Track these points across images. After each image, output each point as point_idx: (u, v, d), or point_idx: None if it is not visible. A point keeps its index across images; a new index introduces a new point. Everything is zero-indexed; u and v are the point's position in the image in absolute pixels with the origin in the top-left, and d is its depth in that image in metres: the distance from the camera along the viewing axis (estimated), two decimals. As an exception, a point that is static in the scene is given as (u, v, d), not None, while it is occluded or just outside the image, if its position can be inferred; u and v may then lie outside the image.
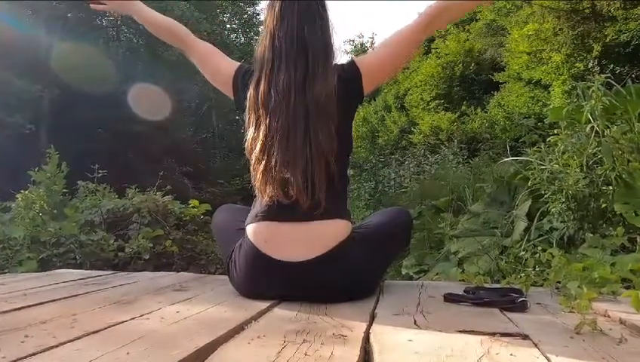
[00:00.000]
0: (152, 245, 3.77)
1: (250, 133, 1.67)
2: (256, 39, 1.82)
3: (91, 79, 12.72)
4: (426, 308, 1.54)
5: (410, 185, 8.40)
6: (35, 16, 14.55)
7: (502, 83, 14.39)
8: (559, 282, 1.85)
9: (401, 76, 21.27)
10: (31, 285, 2.00)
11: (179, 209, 4.43)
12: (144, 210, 4.13)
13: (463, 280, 2.17)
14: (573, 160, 2.84)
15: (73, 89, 13.19)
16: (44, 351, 1.03)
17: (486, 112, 14.94)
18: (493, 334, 1.18)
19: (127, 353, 1.00)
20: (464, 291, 1.75)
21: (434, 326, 1.27)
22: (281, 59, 1.66)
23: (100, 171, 4.73)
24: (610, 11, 8.46)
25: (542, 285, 2.00)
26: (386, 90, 21.00)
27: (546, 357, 1.01)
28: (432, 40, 20.35)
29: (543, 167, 3.00)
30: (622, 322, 1.34)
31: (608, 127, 2.86)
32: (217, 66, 1.89)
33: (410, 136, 16.97)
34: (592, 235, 2.55)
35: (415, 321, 1.34)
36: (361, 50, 26.86)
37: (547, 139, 3.20)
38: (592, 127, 2.88)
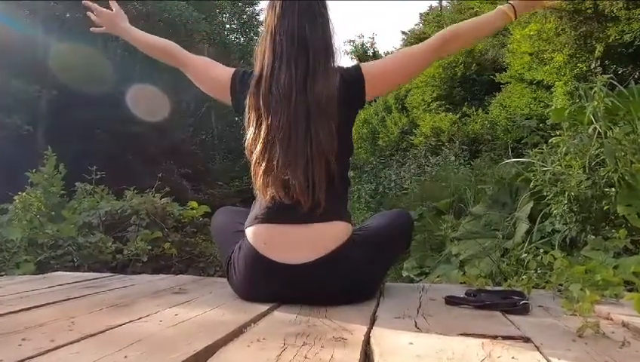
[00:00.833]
0: (150, 247, 3.75)
1: (250, 132, 1.67)
2: (256, 39, 1.83)
3: (89, 80, 12.67)
4: (427, 310, 1.53)
5: (410, 186, 8.39)
6: (33, 17, 14.49)
7: (503, 84, 14.36)
8: (561, 284, 1.84)
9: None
10: (28, 288, 2.00)
11: (177, 211, 4.42)
12: (142, 211, 4.12)
13: (464, 283, 2.17)
14: (576, 161, 2.83)
15: (71, 89, 13.11)
16: (41, 354, 1.02)
17: (487, 113, 14.92)
18: (494, 337, 1.17)
19: (125, 356, 1.00)
20: (465, 294, 1.74)
21: (435, 329, 1.27)
22: (282, 58, 1.66)
23: (98, 173, 4.72)
24: (612, 11, 8.42)
25: (544, 287, 1.99)
26: (386, 91, 20.99)
27: (548, 361, 1.01)
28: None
29: (545, 169, 2.99)
30: (625, 325, 1.34)
31: (611, 128, 2.85)
32: (214, 75, 1.89)
33: (411, 138, 16.95)
34: (594, 237, 2.54)
35: (416, 324, 1.33)
36: (361, 50, 26.85)
37: (549, 141, 3.19)
38: (595, 128, 2.87)
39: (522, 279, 1.99)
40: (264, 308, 1.54)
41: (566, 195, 2.78)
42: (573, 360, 1.02)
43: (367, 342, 1.15)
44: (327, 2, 1.79)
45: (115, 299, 1.74)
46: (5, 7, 12.64)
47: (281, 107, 1.61)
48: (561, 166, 2.90)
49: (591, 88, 2.99)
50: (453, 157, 9.37)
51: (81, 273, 2.82)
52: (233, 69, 1.86)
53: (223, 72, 1.86)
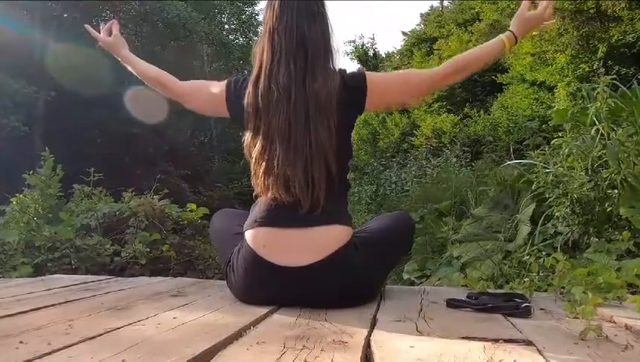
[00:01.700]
0: (148, 250, 3.76)
1: (249, 131, 1.67)
2: (256, 40, 1.82)
3: (87, 81, 12.64)
4: (428, 313, 1.52)
5: (411, 188, 8.39)
6: (30, 17, 14.49)
7: (505, 84, 14.39)
8: (564, 287, 1.84)
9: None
10: (25, 290, 1.99)
11: (176, 213, 4.42)
12: (141, 213, 4.12)
13: (466, 286, 2.16)
14: (578, 163, 2.82)
15: (69, 91, 13.12)
16: (38, 357, 1.02)
17: (489, 114, 14.95)
18: (496, 340, 1.16)
19: (123, 360, 0.99)
20: (467, 296, 1.74)
21: (436, 333, 1.26)
22: (281, 55, 1.66)
23: (96, 174, 4.72)
24: (615, 11, 8.43)
25: (546, 290, 1.99)
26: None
27: (550, 364, 1.00)
28: (434, 40, 20.39)
29: (548, 170, 2.99)
30: (627, 328, 1.33)
31: (614, 130, 2.85)
32: (208, 91, 1.88)
33: (411, 139, 16.98)
34: (597, 240, 2.54)
35: (417, 327, 1.32)
36: (361, 51, 26.82)
37: (551, 142, 3.18)
38: (598, 129, 2.86)
39: (524, 282, 1.98)
40: (263, 311, 1.54)
41: (568, 197, 2.77)
42: (575, 363, 1.01)
43: (367, 346, 1.15)
44: (326, 2, 1.79)
45: (113, 301, 1.73)
46: (2, 6, 12.64)
47: (280, 104, 1.61)
48: (563, 167, 2.90)
49: (593, 89, 2.98)
50: (454, 159, 9.37)
51: (79, 275, 2.83)
52: (226, 81, 1.86)
53: (218, 85, 1.86)
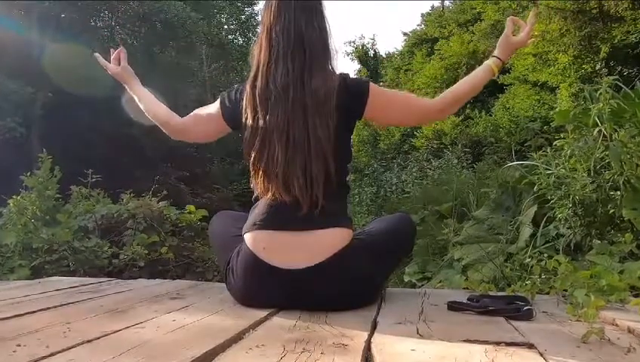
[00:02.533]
0: (147, 252, 3.76)
1: (248, 130, 1.67)
2: (255, 40, 1.82)
3: (85, 81, 12.54)
4: (429, 316, 1.52)
5: (412, 190, 8.40)
6: (28, 17, 14.46)
7: (507, 85, 14.39)
8: (566, 290, 1.82)
9: (403, 78, 21.26)
10: (23, 293, 1.99)
11: (175, 215, 4.42)
12: (139, 215, 4.12)
13: (467, 288, 2.16)
14: (580, 164, 2.81)
15: (66, 91, 13.07)
16: (36, 360, 1.02)
17: (491, 115, 14.95)
18: (498, 343, 1.16)
19: (121, 363, 0.99)
20: (468, 299, 1.73)
21: (437, 336, 1.26)
22: (279, 54, 1.66)
23: (94, 176, 4.71)
24: (617, 12, 8.42)
25: (548, 293, 1.97)
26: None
27: (552, 367, 1.00)
28: (435, 41, 20.39)
29: (549, 172, 2.98)
30: (630, 331, 1.32)
31: (616, 131, 2.83)
32: (205, 112, 1.89)
33: (412, 140, 17.00)
34: (599, 242, 2.53)
35: (418, 330, 1.32)
36: (362, 51, 26.82)
37: (553, 143, 3.17)
38: (600, 130, 2.84)
39: (526, 284, 1.97)
40: (263, 313, 1.53)
41: (570, 199, 2.76)
42: (577, 366, 1.00)
43: (368, 349, 1.14)
44: (325, 2, 1.79)
45: (112, 304, 1.73)
46: (-1, 6, 12.65)
47: (279, 102, 1.62)
48: (565, 169, 2.89)
49: (596, 90, 2.97)
50: (455, 161, 9.38)
51: (77, 278, 2.83)
52: (220, 96, 1.87)
53: (213, 105, 1.87)
